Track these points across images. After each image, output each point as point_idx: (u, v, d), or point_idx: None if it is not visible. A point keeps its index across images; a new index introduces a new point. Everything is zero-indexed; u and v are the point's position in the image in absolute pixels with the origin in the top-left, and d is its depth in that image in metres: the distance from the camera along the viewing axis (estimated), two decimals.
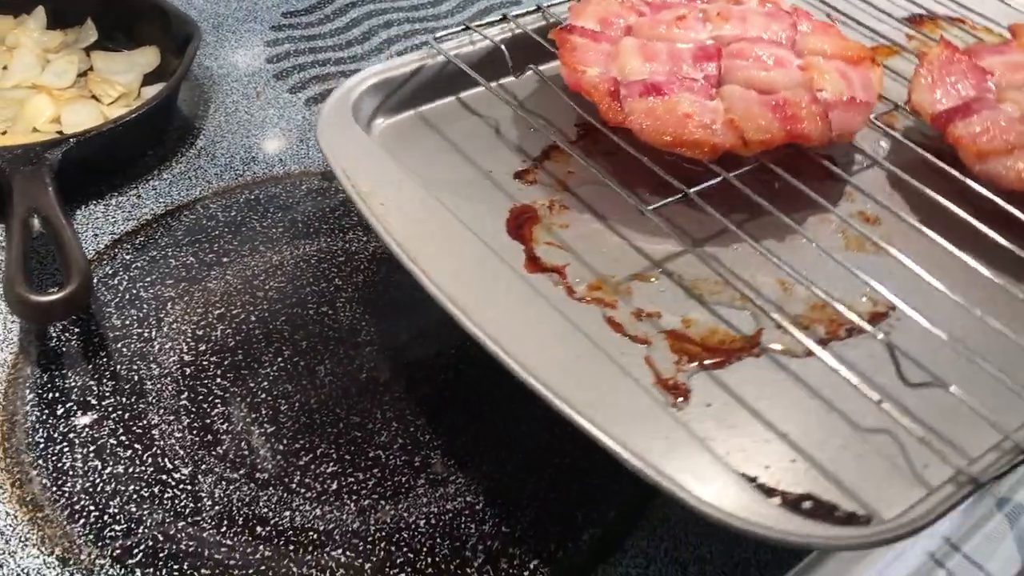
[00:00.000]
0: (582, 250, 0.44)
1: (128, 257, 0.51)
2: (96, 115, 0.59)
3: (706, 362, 0.39)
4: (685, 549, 0.40)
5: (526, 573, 0.39)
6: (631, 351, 0.39)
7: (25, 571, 0.37)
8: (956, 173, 0.45)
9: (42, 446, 0.42)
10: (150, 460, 0.42)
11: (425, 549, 0.39)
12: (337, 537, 0.39)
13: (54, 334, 0.47)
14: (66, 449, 0.42)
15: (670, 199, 0.44)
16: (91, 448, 0.42)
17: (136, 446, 0.42)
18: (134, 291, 0.49)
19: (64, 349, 0.46)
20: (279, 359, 0.47)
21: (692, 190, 0.43)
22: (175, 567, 0.38)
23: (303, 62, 0.68)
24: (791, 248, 0.44)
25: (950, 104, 0.48)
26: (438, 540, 0.40)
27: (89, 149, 0.52)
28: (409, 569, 0.39)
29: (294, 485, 0.41)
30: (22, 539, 0.38)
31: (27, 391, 0.44)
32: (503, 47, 0.51)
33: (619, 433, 0.34)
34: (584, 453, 0.43)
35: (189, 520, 0.39)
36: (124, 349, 0.46)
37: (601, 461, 0.43)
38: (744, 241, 0.42)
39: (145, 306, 0.49)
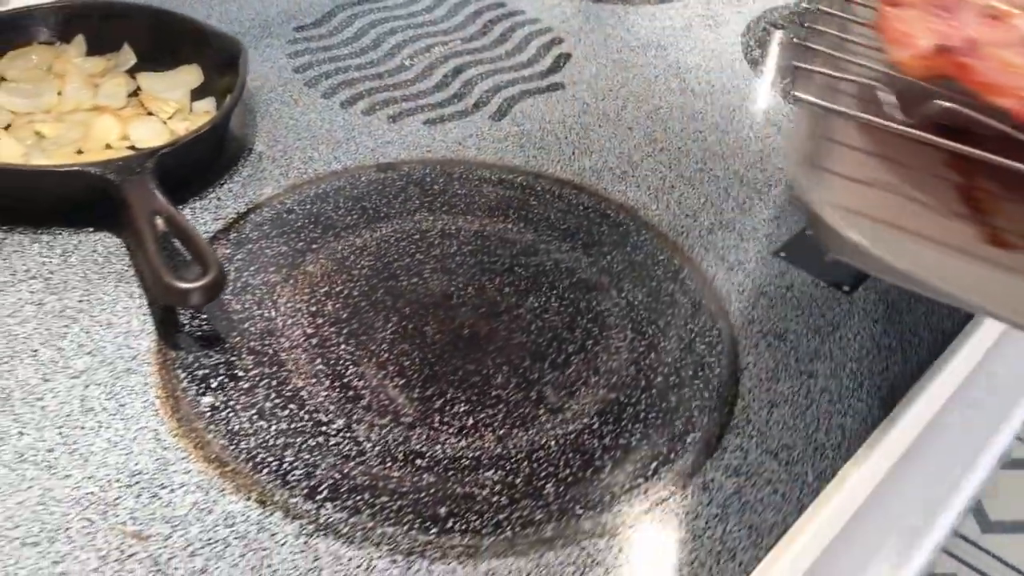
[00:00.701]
0: None
1: (227, 251, 0.56)
2: (161, 130, 0.63)
3: None
4: (772, 441, 0.48)
5: (649, 472, 0.46)
6: None
7: (231, 514, 0.42)
8: None
9: (209, 414, 0.46)
10: (307, 417, 0.47)
11: (561, 463, 0.46)
12: (485, 461, 0.45)
13: (184, 322, 0.51)
14: (231, 415, 0.46)
15: None
16: (252, 412, 0.47)
17: (291, 406, 0.47)
18: (242, 280, 0.54)
19: (198, 334, 0.51)
20: (389, 324, 0.52)
21: None
22: (358, 497, 0.43)
23: (327, 70, 0.73)
24: None
25: None
26: (569, 455, 0.46)
27: (179, 157, 0.56)
28: (553, 479, 0.45)
29: (436, 424, 0.47)
30: (220, 489, 0.43)
31: (178, 370, 0.48)
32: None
33: None
34: (672, 371, 0.51)
35: (357, 461, 0.45)
36: (251, 329, 0.51)
37: (689, 376, 0.51)
38: None
39: (257, 291, 0.53)
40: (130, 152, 0.60)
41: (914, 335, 0.55)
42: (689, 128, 0.71)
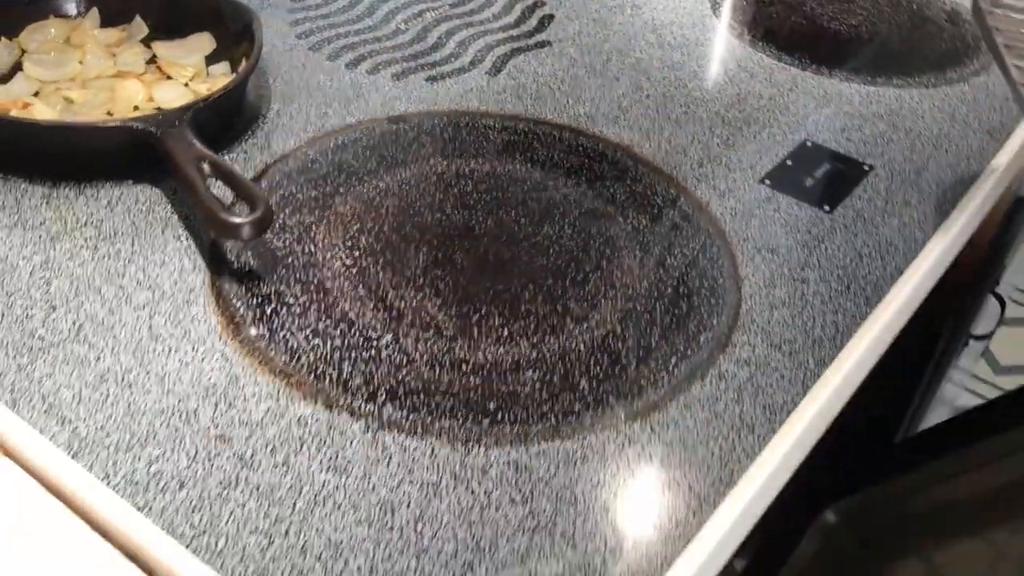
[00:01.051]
0: None
1: None
2: (184, 91, 0.66)
3: None
4: (775, 336, 0.53)
5: (670, 367, 0.50)
6: None
7: (302, 416, 0.46)
8: None
9: (267, 336, 0.50)
10: (357, 334, 0.51)
11: (591, 363, 0.50)
12: (524, 364, 0.50)
13: (232, 258, 0.55)
14: (288, 335, 0.50)
15: None
16: (307, 332, 0.50)
17: (342, 326, 0.51)
18: (279, 222, 0.58)
19: (246, 269, 0.54)
20: (420, 255, 0.56)
21: None
22: (414, 398, 0.47)
23: (328, 36, 0.77)
24: None
25: None
26: (598, 355, 0.51)
27: (212, 111, 0.60)
28: (586, 376, 0.49)
29: (476, 335, 0.51)
30: (289, 397, 0.47)
31: (233, 300, 0.52)
32: None
33: None
34: (680, 283, 0.55)
35: (408, 369, 0.49)
36: (294, 263, 0.55)
37: (696, 287, 0.56)
38: None
39: (295, 230, 0.57)
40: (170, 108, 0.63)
41: (890, 244, 0.60)
42: (670, 76, 0.76)
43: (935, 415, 1.15)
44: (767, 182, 0.65)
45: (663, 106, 0.72)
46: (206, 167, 0.54)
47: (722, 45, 0.82)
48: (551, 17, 0.83)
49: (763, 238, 0.60)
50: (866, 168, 0.67)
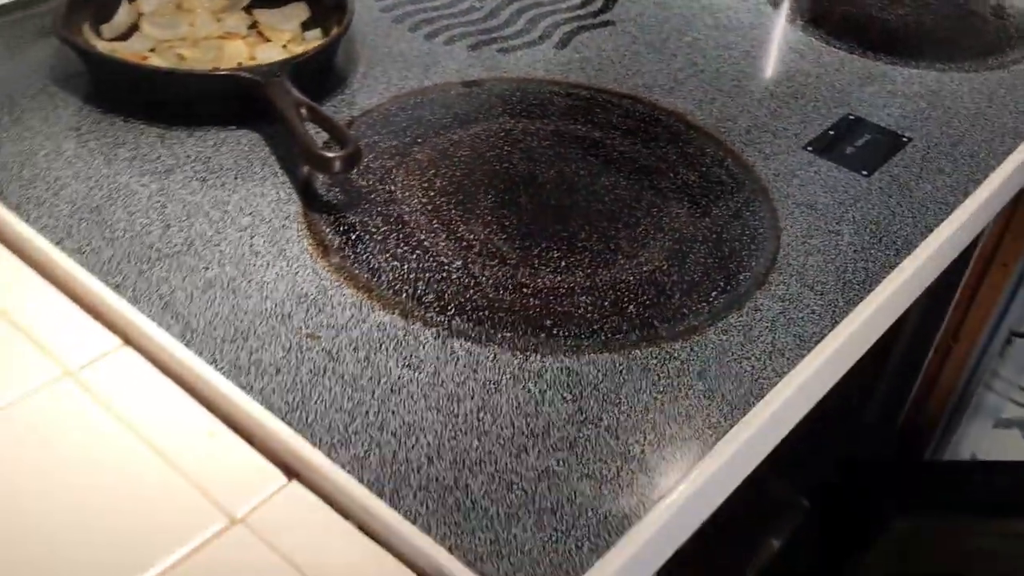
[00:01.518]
0: None
1: None
2: (282, 52, 0.72)
3: None
4: (809, 278, 0.57)
5: (711, 299, 0.55)
6: None
7: (381, 323, 0.51)
8: None
9: (352, 258, 0.56)
10: (431, 260, 0.56)
11: (639, 292, 0.55)
12: (578, 290, 0.55)
13: (322, 193, 0.61)
14: (370, 258, 0.56)
15: None
16: (387, 255, 0.56)
17: (417, 252, 0.56)
18: (364, 165, 0.63)
19: (335, 202, 0.60)
20: (488, 197, 0.61)
21: None
22: (480, 313, 0.52)
23: (409, 10, 0.83)
24: None
25: None
26: (645, 287, 0.55)
27: (308, 66, 0.66)
28: (634, 303, 0.54)
29: (535, 264, 0.56)
30: (370, 307, 0.52)
31: (323, 227, 0.58)
32: None
33: None
34: (724, 230, 0.60)
35: (475, 289, 0.54)
36: (376, 198, 0.60)
37: (738, 234, 0.60)
38: None
39: (377, 172, 0.63)
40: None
41: (922, 205, 0.64)
42: (724, 55, 0.80)
43: (976, 426, 1.15)
44: (810, 148, 0.69)
45: (716, 80, 0.76)
46: (304, 111, 0.60)
47: (775, 28, 0.86)
48: (615, 0, 0.88)
49: (803, 196, 0.64)
50: (904, 140, 0.71)
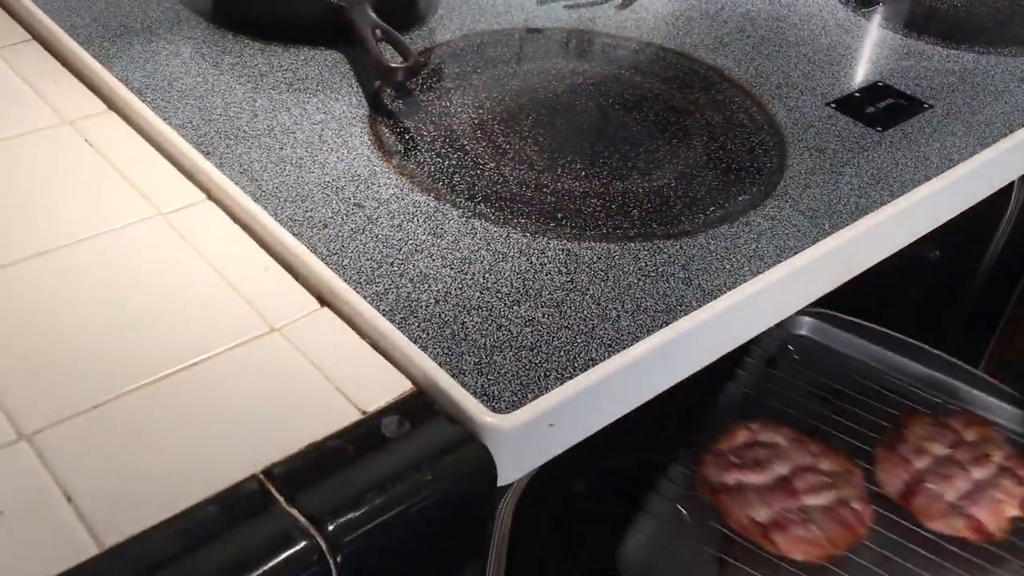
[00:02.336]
0: None
1: None
2: None
3: None
4: (802, 205, 0.62)
5: (707, 213, 0.61)
6: None
7: (417, 202, 0.59)
8: None
9: (402, 151, 0.64)
10: (469, 160, 0.64)
11: (645, 201, 0.61)
12: (591, 195, 0.62)
13: (387, 103, 0.69)
14: (418, 153, 0.64)
15: None
16: (432, 152, 0.64)
17: (459, 153, 0.64)
18: (427, 84, 0.72)
19: (397, 111, 0.69)
20: (530, 117, 0.69)
21: None
22: (501, 202, 0.60)
23: None
24: None
25: None
26: (651, 198, 0.62)
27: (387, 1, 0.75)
28: (638, 208, 0.61)
29: (558, 172, 0.63)
30: (410, 189, 0.60)
31: (383, 127, 0.66)
32: None
33: None
34: (734, 161, 0.66)
35: (502, 185, 0.62)
36: (432, 111, 0.69)
37: (746, 165, 0.66)
38: None
39: (437, 91, 0.71)
40: None
41: (927, 159, 0.68)
42: (772, 25, 0.85)
43: None
44: (832, 105, 0.74)
45: (759, 44, 0.82)
46: (378, 32, 0.69)
47: (826, 8, 0.90)
48: None
49: (815, 141, 0.69)
50: (926, 106, 0.75)
